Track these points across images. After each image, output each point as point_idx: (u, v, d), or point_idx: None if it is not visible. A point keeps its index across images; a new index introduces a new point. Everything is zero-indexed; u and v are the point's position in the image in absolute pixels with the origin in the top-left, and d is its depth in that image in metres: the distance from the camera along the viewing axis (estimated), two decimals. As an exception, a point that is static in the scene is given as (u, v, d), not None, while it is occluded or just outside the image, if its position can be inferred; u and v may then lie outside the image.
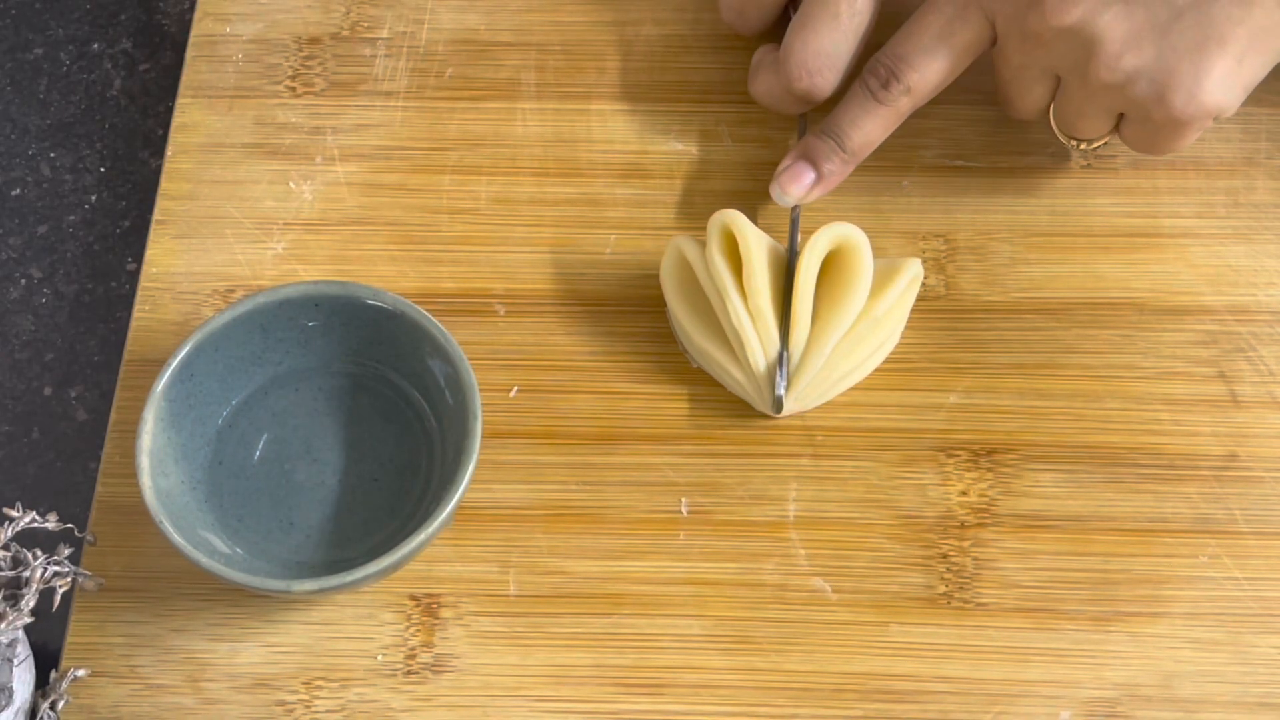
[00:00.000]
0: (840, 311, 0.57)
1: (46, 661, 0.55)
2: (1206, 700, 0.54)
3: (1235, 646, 0.55)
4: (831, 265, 0.58)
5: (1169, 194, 0.63)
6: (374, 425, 0.58)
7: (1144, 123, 0.57)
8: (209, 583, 0.56)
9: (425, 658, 0.55)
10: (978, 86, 0.65)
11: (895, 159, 0.64)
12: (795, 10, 0.62)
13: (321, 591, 0.52)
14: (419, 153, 0.65)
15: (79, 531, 0.55)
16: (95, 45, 0.69)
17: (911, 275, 0.58)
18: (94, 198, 0.66)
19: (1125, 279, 0.61)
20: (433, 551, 0.56)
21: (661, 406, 0.59)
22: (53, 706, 0.54)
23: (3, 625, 0.51)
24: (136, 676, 0.55)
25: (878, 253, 0.60)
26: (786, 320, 0.57)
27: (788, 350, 0.57)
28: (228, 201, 0.64)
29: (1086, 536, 0.57)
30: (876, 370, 0.60)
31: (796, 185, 0.60)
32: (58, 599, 0.53)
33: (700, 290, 0.59)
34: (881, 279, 0.58)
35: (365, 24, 0.68)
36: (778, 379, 0.57)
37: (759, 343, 0.57)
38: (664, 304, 0.60)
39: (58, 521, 0.53)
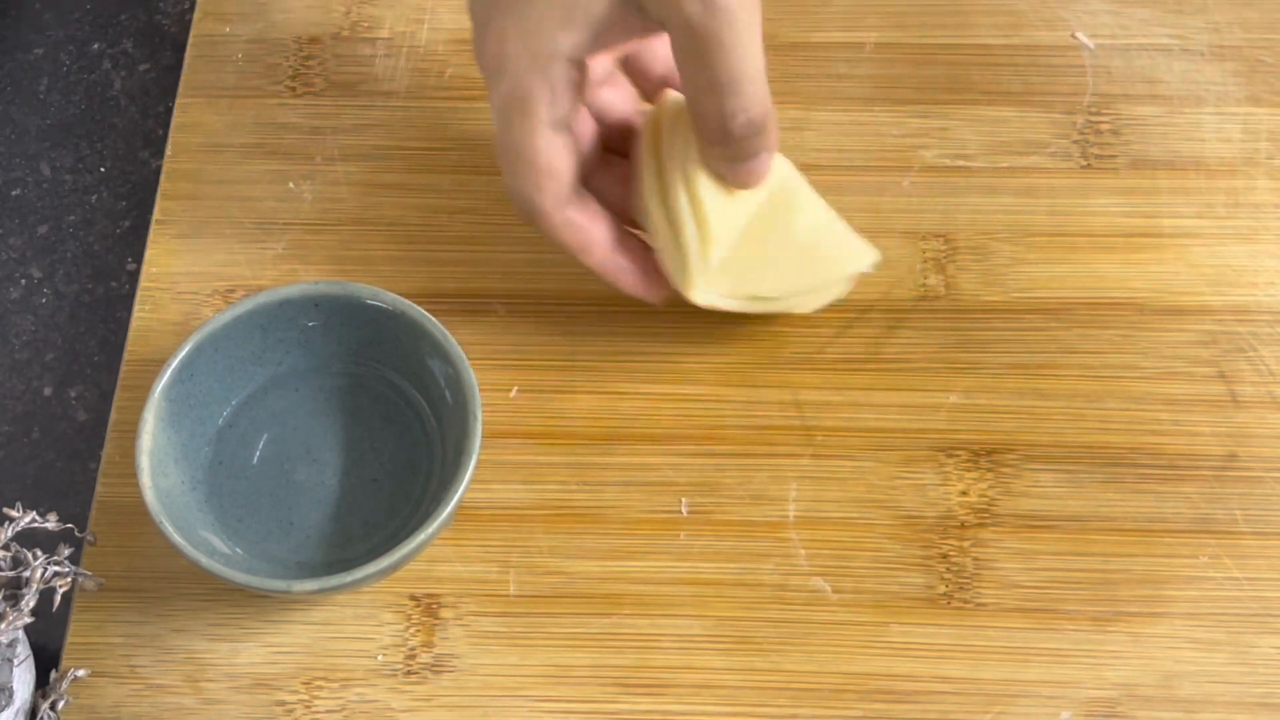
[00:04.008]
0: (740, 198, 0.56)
1: (46, 661, 0.55)
2: (1206, 700, 0.54)
3: (1235, 646, 0.55)
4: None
5: (1169, 194, 0.63)
6: (374, 425, 0.58)
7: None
8: (209, 583, 0.56)
9: (425, 658, 0.55)
10: (978, 86, 0.65)
11: (895, 159, 0.64)
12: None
13: (321, 591, 0.52)
14: (419, 153, 0.65)
15: (79, 531, 0.55)
16: (95, 45, 0.69)
17: (861, 255, 0.58)
18: (94, 198, 0.66)
19: (1125, 279, 0.61)
20: (433, 551, 0.56)
21: (661, 406, 0.59)
22: (53, 706, 0.54)
23: (3, 625, 0.51)
24: (136, 676, 0.55)
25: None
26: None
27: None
28: (228, 201, 0.64)
29: (1086, 536, 0.57)
30: (877, 370, 0.59)
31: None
32: (58, 599, 0.53)
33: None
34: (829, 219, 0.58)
35: (365, 24, 0.68)
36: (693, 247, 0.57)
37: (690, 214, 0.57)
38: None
39: (58, 521, 0.53)
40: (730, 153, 0.55)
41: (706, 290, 0.57)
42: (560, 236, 0.56)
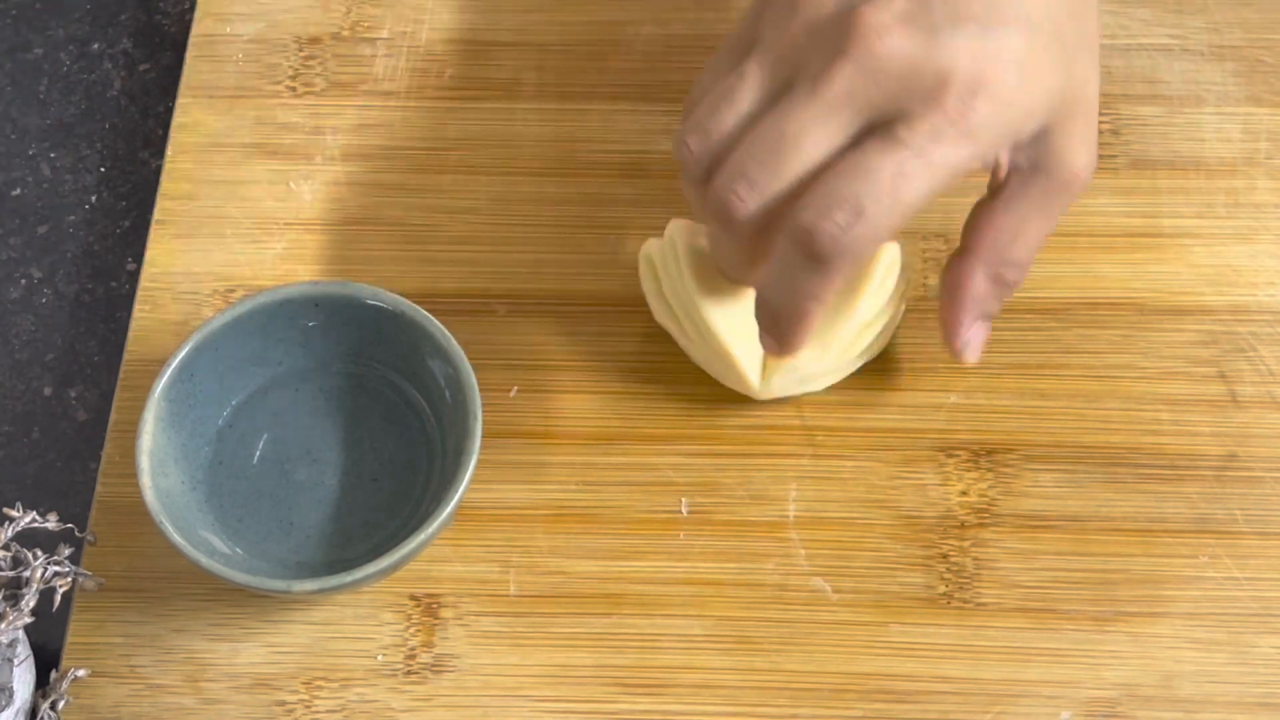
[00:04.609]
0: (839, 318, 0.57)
1: (46, 661, 0.55)
2: (1206, 700, 0.54)
3: (1235, 646, 0.55)
4: None
5: (1169, 194, 0.63)
6: (374, 425, 0.58)
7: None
8: (209, 583, 0.56)
9: (425, 658, 0.55)
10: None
11: (895, 159, 0.64)
12: None
13: (321, 591, 0.52)
14: (419, 153, 0.65)
15: (79, 531, 0.55)
16: (95, 45, 0.69)
17: (886, 263, 0.57)
18: (94, 198, 0.66)
19: (1125, 279, 0.61)
20: (433, 551, 0.56)
21: (661, 406, 0.59)
22: (53, 706, 0.54)
23: (3, 625, 0.51)
24: (136, 676, 0.55)
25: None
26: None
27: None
28: (228, 201, 0.64)
29: (1086, 536, 0.57)
30: (877, 371, 0.59)
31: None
32: (58, 599, 0.53)
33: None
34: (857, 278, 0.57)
35: (365, 24, 0.68)
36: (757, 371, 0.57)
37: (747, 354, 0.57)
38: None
39: (58, 521, 0.53)
40: (995, 300, 0.55)
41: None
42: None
